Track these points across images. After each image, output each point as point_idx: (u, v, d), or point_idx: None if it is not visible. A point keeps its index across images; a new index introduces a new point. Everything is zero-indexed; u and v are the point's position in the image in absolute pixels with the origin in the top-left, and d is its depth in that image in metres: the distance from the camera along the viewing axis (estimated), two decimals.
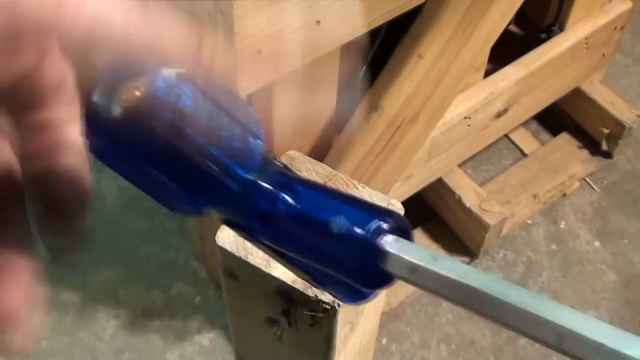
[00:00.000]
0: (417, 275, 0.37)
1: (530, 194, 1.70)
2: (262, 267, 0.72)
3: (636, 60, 2.03)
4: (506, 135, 1.80)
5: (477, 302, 0.36)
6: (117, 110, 0.36)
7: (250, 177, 0.38)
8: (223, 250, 0.74)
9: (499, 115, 1.51)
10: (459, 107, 1.40)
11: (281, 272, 0.71)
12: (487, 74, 1.45)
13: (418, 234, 1.62)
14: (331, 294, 0.43)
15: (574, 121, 1.82)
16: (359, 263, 0.37)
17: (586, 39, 1.55)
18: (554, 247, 1.67)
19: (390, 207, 0.38)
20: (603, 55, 1.67)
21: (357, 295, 0.41)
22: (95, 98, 0.36)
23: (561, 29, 1.54)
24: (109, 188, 1.71)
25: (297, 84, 1.09)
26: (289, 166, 0.41)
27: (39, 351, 1.47)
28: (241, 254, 0.73)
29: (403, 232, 0.38)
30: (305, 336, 0.76)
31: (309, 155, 1.23)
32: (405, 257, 0.37)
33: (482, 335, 1.53)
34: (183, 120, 0.36)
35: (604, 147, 1.78)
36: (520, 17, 1.61)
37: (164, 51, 0.33)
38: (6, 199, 0.35)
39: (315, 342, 0.76)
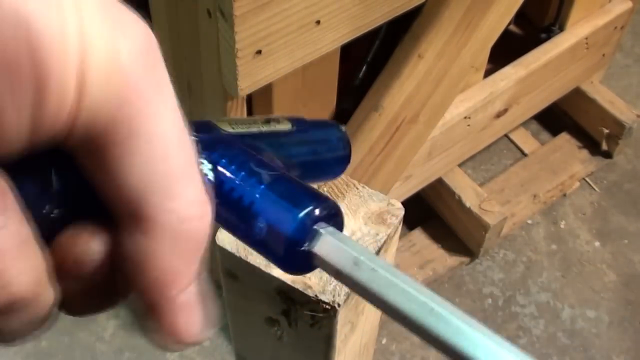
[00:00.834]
0: (340, 279, 0.35)
1: (530, 194, 1.70)
2: (262, 267, 0.72)
3: (636, 60, 2.03)
4: (506, 135, 1.80)
5: (395, 317, 0.33)
6: None
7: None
8: (223, 250, 0.74)
9: (499, 115, 1.51)
10: (459, 107, 1.40)
11: (281, 272, 0.71)
12: (487, 74, 1.45)
13: (418, 233, 1.62)
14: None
15: (574, 121, 1.82)
16: (282, 257, 0.35)
17: (586, 39, 1.55)
18: (554, 247, 1.67)
19: (326, 198, 0.34)
20: (603, 55, 1.67)
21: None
22: None
23: (561, 29, 1.54)
24: None
25: (297, 84, 1.09)
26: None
27: (39, 351, 1.47)
28: (241, 254, 0.73)
29: (333, 218, 0.35)
30: (306, 336, 0.76)
31: None
32: (329, 261, 0.34)
33: None
34: None
35: (604, 147, 1.78)
36: (520, 17, 1.60)
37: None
38: None
39: (316, 342, 0.76)
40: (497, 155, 1.80)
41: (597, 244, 1.68)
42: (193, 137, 0.30)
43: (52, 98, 0.25)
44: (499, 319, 1.55)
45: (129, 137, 0.26)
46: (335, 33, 1.00)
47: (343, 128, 0.43)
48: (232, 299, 0.82)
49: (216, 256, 0.76)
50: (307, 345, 0.78)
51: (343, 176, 0.80)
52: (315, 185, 0.45)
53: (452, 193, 1.56)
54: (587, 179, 1.78)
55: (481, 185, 1.66)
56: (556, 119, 1.84)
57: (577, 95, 1.75)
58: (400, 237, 1.62)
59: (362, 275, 0.34)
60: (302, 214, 0.33)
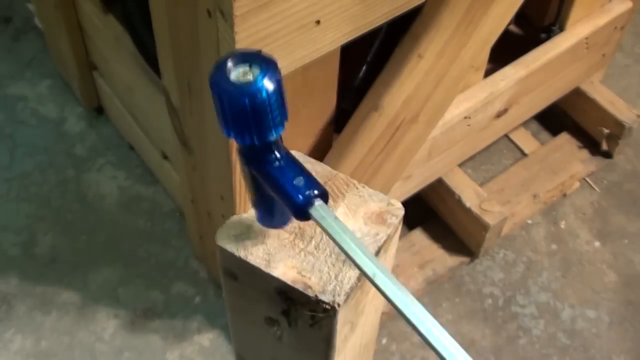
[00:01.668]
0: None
1: (531, 194, 1.70)
2: (262, 267, 0.72)
3: (636, 60, 2.03)
4: (506, 135, 1.80)
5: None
6: None
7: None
8: (223, 250, 0.74)
9: (499, 115, 1.51)
10: (459, 107, 1.40)
11: (281, 272, 0.71)
12: (487, 74, 1.45)
13: (418, 233, 1.62)
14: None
15: (574, 121, 1.82)
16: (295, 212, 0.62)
17: (586, 39, 1.55)
18: (554, 247, 1.66)
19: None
20: (603, 55, 1.67)
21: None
22: None
23: (561, 29, 1.54)
24: (109, 188, 1.71)
25: (297, 84, 1.09)
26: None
27: (39, 351, 1.47)
28: (241, 254, 0.73)
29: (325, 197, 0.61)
30: (305, 336, 0.76)
31: (309, 155, 1.23)
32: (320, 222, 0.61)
33: (482, 336, 1.53)
34: None
35: (604, 147, 1.78)
36: (520, 17, 1.60)
37: None
38: None
39: (315, 342, 0.76)
40: (497, 155, 1.80)
41: (597, 244, 1.68)
42: None
43: None
44: (499, 319, 1.55)
45: None
46: (335, 33, 1.00)
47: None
48: (232, 299, 0.82)
49: (216, 256, 0.76)
50: (307, 345, 0.78)
51: (343, 176, 0.80)
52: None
53: (452, 193, 1.56)
54: (587, 179, 1.78)
55: (481, 185, 1.66)
56: (556, 119, 1.84)
57: (577, 95, 1.74)
58: (400, 237, 1.62)
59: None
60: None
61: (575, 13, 1.51)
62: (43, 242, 1.62)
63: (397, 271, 1.56)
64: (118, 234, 1.64)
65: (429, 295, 1.58)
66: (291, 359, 0.84)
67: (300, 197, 0.61)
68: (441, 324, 0.58)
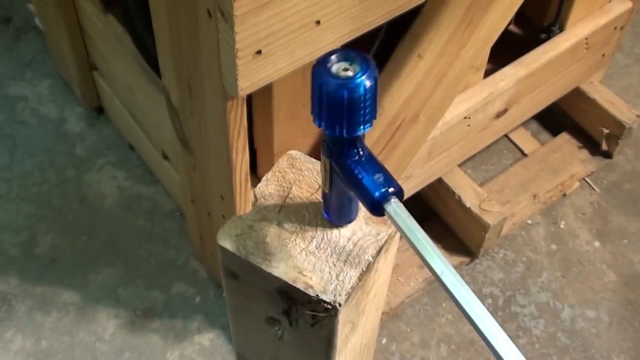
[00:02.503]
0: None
1: (530, 194, 1.70)
2: (263, 267, 0.72)
3: (636, 60, 2.03)
4: (506, 135, 1.80)
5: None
6: None
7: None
8: (224, 250, 0.74)
9: (498, 115, 1.51)
10: (459, 107, 1.40)
11: (282, 271, 0.72)
12: (487, 74, 1.45)
13: None
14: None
15: (574, 121, 1.82)
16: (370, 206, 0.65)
17: (586, 39, 1.55)
18: (554, 247, 1.67)
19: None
20: (603, 55, 1.67)
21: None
22: None
23: (561, 29, 1.54)
24: (109, 188, 1.71)
25: (297, 84, 1.09)
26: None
27: (39, 351, 1.47)
28: (242, 253, 0.73)
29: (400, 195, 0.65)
30: (306, 336, 0.76)
31: (310, 155, 1.24)
32: (392, 214, 0.65)
33: None
34: None
35: (604, 147, 1.79)
36: (520, 17, 1.60)
37: None
38: None
39: (316, 342, 0.76)
40: (497, 155, 1.80)
41: (597, 244, 1.68)
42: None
43: None
44: (499, 319, 1.55)
45: None
46: (335, 33, 1.00)
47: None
48: (233, 298, 0.82)
49: (217, 255, 0.76)
50: (308, 344, 0.79)
51: None
52: None
53: (452, 193, 1.56)
54: (587, 179, 1.78)
55: (481, 185, 1.67)
56: (556, 119, 1.84)
57: (577, 95, 1.75)
58: (401, 236, 1.62)
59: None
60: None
61: (575, 13, 1.52)
62: (43, 242, 1.62)
63: (397, 271, 1.56)
64: (118, 234, 1.64)
65: (429, 295, 1.58)
66: (292, 359, 0.84)
67: (378, 193, 0.64)
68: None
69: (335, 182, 0.69)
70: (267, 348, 0.85)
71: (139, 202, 1.69)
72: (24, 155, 1.76)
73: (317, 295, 0.70)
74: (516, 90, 1.49)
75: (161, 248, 1.62)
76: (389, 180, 0.65)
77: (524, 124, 1.79)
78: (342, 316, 0.72)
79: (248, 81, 0.95)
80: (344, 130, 0.62)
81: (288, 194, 0.78)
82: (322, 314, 0.71)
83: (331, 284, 0.71)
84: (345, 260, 0.72)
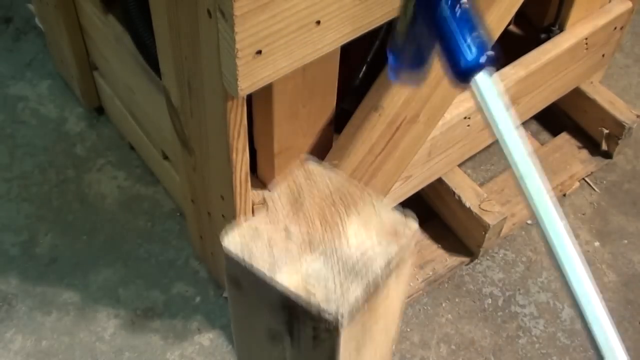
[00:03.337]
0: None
1: None
2: (266, 276, 0.71)
3: (636, 60, 2.03)
4: None
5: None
6: None
7: None
8: (229, 258, 0.73)
9: None
10: (458, 107, 1.40)
11: (285, 280, 0.70)
12: None
13: (418, 233, 1.62)
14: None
15: (574, 121, 1.82)
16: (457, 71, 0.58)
17: (586, 39, 1.55)
18: None
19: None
20: (603, 55, 1.67)
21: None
22: None
23: (561, 29, 1.54)
24: (109, 188, 1.71)
25: (297, 84, 1.10)
26: None
27: (39, 351, 1.48)
28: (246, 261, 0.72)
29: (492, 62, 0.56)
30: (309, 352, 0.75)
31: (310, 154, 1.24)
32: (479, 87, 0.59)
33: (482, 335, 1.53)
34: None
35: (604, 147, 1.79)
36: (520, 17, 1.60)
37: None
38: None
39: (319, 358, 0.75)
40: (497, 155, 1.80)
41: (596, 244, 1.68)
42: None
43: None
44: (499, 319, 1.55)
45: None
46: (335, 33, 1.00)
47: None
48: (236, 309, 0.81)
49: (222, 263, 0.75)
50: None
51: (358, 185, 0.79)
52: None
53: (452, 193, 1.56)
54: (586, 179, 1.78)
55: (481, 185, 1.67)
56: (556, 119, 1.84)
57: (576, 95, 1.75)
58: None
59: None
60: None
61: (575, 13, 1.52)
62: (43, 242, 1.62)
63: None
64: (118, 234, 1.64)
65: (428, 295, 1.58)
66: None
67: (470, 57, 0.56)
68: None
69: (416, 30, 0.58)
70: None
71: (139, 202, 1.69)
72: (24, 155, 1.76)
73: (318, 304, 0.69)
74: (516, 90, 1.49)
75: (161, 248, 1.62)
76: (485, 45, 0.55)
77: (524, 124, 1.79)
78: (346, 333, 0.71)
79: (248, 81, 0.95)
80: None
81: (299, 200, 0.76)
82: (323, 327, 0.70)
83: (334, 294, 0.69)
84: (351, 271, 0.71)
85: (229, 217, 1.26)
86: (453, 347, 1.52)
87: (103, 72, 1.69)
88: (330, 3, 0.95)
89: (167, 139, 1.42)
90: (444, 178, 1.57)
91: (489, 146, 1.68)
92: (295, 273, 0.70)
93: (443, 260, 1.60)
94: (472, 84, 0.56)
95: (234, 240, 0.73)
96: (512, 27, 1.65)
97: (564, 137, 1.81)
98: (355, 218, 0.76)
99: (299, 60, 0.99)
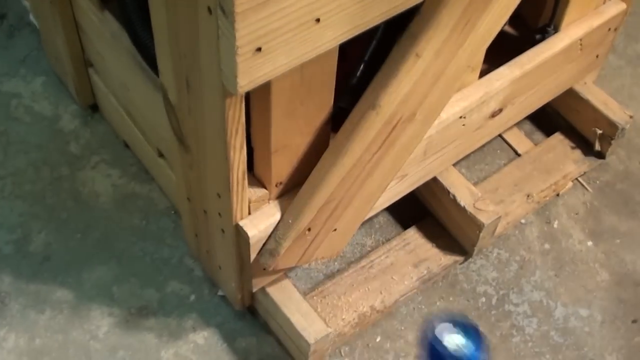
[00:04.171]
0: None
1: (524, 194, 1.70)
2: None
3: (629, 61, 2.04)
4: (500, 135, 1.81)
5: None
6: None
7: None
8: None
9: (493, 115, 1.52)
10: (454, 107, 1.41)
11: None
12: (482, 74, 1.46)
13: (412, 232, 1.63)
14: None
15: (567, 121, 1.83)
16: None
17: (580, 40, 1.56)
18: (547, 246, 1.67)
19: None
20: (597, 56, 1.68)
21: None
22: None
23: (556, 30, 1.55)
24: (104, 186, 1.70)
25: (295, 82, 1.10)
26: None
27: (33, 349, 1.47)
28: None
29: None
30: None
31: (306, 153, 1.24)
32: None
33: None
34: None
35: (597, 147, 1.79)
36: (515, 18, 1.60)
37: None
38: None
39: None
40: (491, 155, 1.81)
41: (589, 243, 1.68)
42: None
43: None
44: (493, 318, 1.56)
45: None
46: (334, 31, 1.00)
47: None
48: None
49: None
50: None
51: None
52: None
53: (446, 192, 1.57)
54: (580, 179, 1.78)
55: (475, 184, 1.67)
56: (549, 119, 1.85)
57: (570, 95, 1.75)
58: (395, 236, 1.63)
59: None
60: None
61: (569, 14, 1.52)
62: (37, 240, 1.62)
63: (391, 270, 1.57)
64: (113, 232, 1.64)
65: (423, 294, 1.58)
66: None
67: None
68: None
69: None
70: None
71: (134, 200, 1.69)
72: (18, 153, 1.75)
73: None
74: (511, 91, 1.50)
75: (156, 246, 1.62)
76: None
77: (518, 124, 1.80)
78: None
79: (247, 78, 0.95)
80: None
81: None
82: None
83: None
84: None
85: (225, 215, 1.26)
86: None
87: (98, 69, 1.68)
88: (329, 1, 0.95)
89: (162, 137, 1.42)
90: (438, 177, 1.57)
91: (483, 146, 1.68)
92: None
93: (437, 259, 1.60)
94: None
95: None
96: (507, 28, 1.66)
97: (557, 137, 1.82)
98: None
99: (298, 57, 0.99)
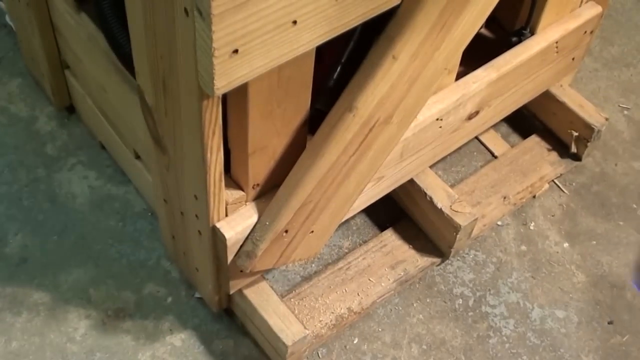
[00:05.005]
0: None
1: (500, 196, 1.71)
2: None
3: (604, 64, 2.06)
4: (476, 138, 1.82)
5: None
6: None
7: None
8: None
9: (470, 117, 1.53)
10: (431, 109, 1.41)
11: None
12: (459, 76, 1.47)
13: (389, 234, 1.63)
14: None
15: (544, 124, 1.84)
16: None
17: (556, 42, 1.57)
18: (523, 248, 1.68)
19: None
20: (573, 59, 1.69)
21: None
22: None
23: (532, 32, 1.56)
24: (80, 188, 1.70)
25: (272, 84, 1.10)
26: None
27: (10, 352, 1.46)
28: None
29: None
30: None
31: (283, 155, 1.24)
32: None
33: (452, 335, 1.54)
34: None
35: (573, 149, 1.81)
36: (491, 21, 1.62)
37: None
38: None
39: None
40: (468, 157, 1.82)
41: (566, 245, 1.70)
42: None
43: None
44: (470, 319, 1.57)
45: None
46: (311, 33, 1.00)
47: None
48: None
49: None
50: None
51: None
52: None
53: (423, 194, 1.57)
54: (556, 181, 1.80)
55: (452, 186, 1.68)
56: (526, 121, 1.86)
57: (546, 98, 1.77)
58: (372, 237, 1.64)
59: None
60: None
61: (545, 17, 1.53)
62: (13, 242, 1.61)
63: (368, 271, 1.57)
64: (89, 234, 1.63)
65: (400, 296, 1.59)
66: None
67: None
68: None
69: None
70: None
71: (110, 202, 1.68)
72: None
73: None
74: (488, 93, 1.51)
75: (132, 248, 1.61)
76: None
77: (494, 126, 1.81)
78: None
79: (224, 80, 0.95)
80: None
81: None
82: None
83: None
84: None
85: (202, 217, 1.26)
86: (424, 347, 1.53)
87: (74, 71, 1.67)
88: (306, 3, 0.95)
89: (139, 138, 1.42)
90: (415, 179, 1.58)
91: (460, 148, 1.69)
92: None
93: (414, 260, 1.61)
94: None
95: None
96: (483, 30, 1.67)
97: (533, 139, 1.83)
98: None
99: (275, 59, 0.99)
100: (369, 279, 1.56)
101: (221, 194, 1.21)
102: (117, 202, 1.68)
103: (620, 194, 1.80)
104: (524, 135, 1.86)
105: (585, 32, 1.63)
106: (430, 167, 1.60)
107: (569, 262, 1.67)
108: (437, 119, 1.44)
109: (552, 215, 1.74)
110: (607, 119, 1.75)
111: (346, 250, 1.64)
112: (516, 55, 1.53)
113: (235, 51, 0.92)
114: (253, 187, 1.27)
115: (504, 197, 1.71)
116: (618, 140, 1.90)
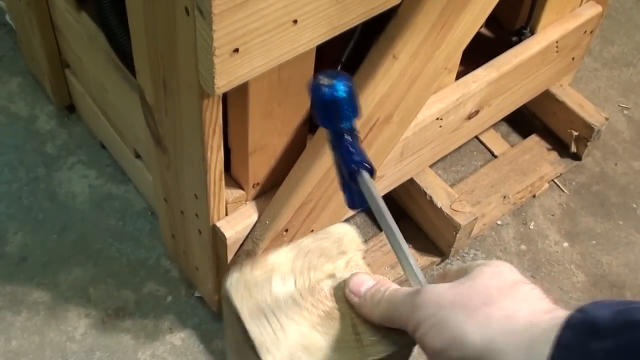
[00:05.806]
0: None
1: (500, 195, 1.71)
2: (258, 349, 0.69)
3: (604, 64, 2.06)
4: (476, 137, 1.82)
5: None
6: None
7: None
8: (228, 301, 0.71)
9: (470, 116, 1.53)
10: (431, 108, 1.41)
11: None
12: (459, 76, 1.47)
13: None
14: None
15: (544, 123, 1.84)
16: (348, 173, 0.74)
17: (556, 42, 1.57)
18: (523, 247, 1.68)
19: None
20: (573, 58, 1.69)
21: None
22: None
23: (532, 32, 1.56)
24: (80, 187, 1.70)
25: (272, 83, 1.10)
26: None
27: (9, 350, 1.46)
28: (244, 316, 0.70)
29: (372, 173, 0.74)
30: None
31: (284, 154, 1.24)
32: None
33: None
34: None
35: (573, 149, 1.81)
36: (491, 20, 1.62)
37: None
38: None
39: None
40: (468, 156, 1.82)
41: (565, 244, 1.70)
42: None
43: None
44: None
45: None
46: (311, 33, 1.00)
47: None
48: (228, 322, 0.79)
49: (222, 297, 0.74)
50: None
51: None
52: None
53: (423, 193, 1.57)
54: (556, 180, 1.80)
55: (452, 186, 1.68)
56: (526, 121, 1.86)
57: (546, 97, 1.77)
58: (372, 237, 1.63)
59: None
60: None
61: (546, 17, 1.53)
62: (13, 241, 1.61)
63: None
64: (89, 233, 1.63)
65: None
66: None
67: (353, 165, 0.74)
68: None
69: (339, 170, 0.78)
70: None
71: (110, 201, 1.68)
72: None
73: None
74: (488, 92, 1.51)
75: (132, 247, 1.62)
76: (363, 157, 0.75)
77: (494, 126, 1.81)
78: None
79: (225, 79, 0.95)
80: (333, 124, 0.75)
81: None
82: None
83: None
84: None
85: (202, 216, 1.26)
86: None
87: (75, 70, 1.68)
88: (307, 2, 0.95)
89: (139, 137, 1.42)
90: (415, 178, 1.58)
91: (460, 147, 1.69)
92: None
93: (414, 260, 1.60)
94: (359, 179, 0.74)
95: (237, 288, 0.72)
96: (483, 30, 1.67)
97: (533, 139, 1.83)
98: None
99: (276, 59, 0.99)
100: None
101: (221, 193, 1.21)
102: (117, 201, 1.68)
103: (620, 193, 1.80)
104: (524, 134, 1.86)
105: (585, 31, 1.63)
106: (430, 166, 1.60)
107: (568, 261, 1.67)
108: (437, 119, 1.44)
109: (552, 215, 1.74)
110: (607, 119, 1.75)
111: None
112: (516, 54, 1.53)
113: (236, 50, 0.92)
114: (253, 186, 1.27)
115: (504, 197, 1.71)
116: (618, 140, 1.90)
